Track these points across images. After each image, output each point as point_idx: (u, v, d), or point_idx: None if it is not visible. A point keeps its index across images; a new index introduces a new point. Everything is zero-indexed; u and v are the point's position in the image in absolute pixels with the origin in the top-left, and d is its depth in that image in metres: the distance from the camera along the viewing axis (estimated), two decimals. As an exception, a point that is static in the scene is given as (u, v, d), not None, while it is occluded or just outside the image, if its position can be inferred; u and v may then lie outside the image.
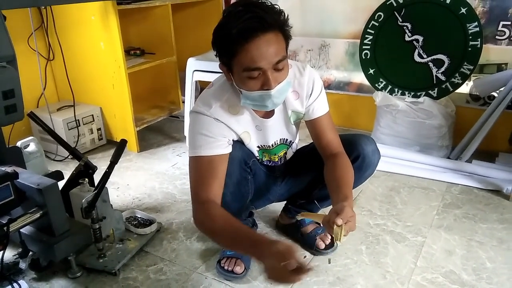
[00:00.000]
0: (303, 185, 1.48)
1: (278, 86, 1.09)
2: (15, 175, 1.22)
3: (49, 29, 2.31)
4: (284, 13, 1.09)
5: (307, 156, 1.43)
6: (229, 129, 1.22)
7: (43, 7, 2.26)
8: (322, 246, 1.49)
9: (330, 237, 1.52)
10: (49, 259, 1.39)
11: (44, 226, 1.29)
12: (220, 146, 1.17)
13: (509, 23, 2.05)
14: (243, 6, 1.04)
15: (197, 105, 1.21)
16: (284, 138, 1.36)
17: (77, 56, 2.35)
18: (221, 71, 1.16)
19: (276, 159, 1.42)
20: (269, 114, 1.28)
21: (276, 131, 1.32)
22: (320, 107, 1.30)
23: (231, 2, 2.82)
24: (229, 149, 1.21)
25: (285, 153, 1.42)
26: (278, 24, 1.06)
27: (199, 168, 1.16)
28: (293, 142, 1.41)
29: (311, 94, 1.27)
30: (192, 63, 2.24)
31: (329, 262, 1.45)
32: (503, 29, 2.07)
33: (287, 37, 1.10)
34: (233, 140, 1.24)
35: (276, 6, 1.08)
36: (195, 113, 1.19)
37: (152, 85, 2.75)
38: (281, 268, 0.88)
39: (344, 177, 1.18)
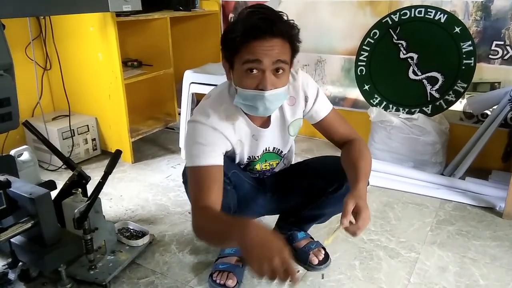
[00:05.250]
0: (292, 203, 1.48)
1: (273, 91, 1.09)
2: (8, 183, 1.21)
3: (47, 38, 2.32)
4: (297, 28, 1.11)
5: (300, 176, 1.44)
6: (225, 138, 1.22)
7: (41, 17, 2.27)
8: (316, 261, 1.48)
9: (323, 252, 1.51)
10: (39, 270, 1.37)
11: (35, 236, 1.27)
12: (217, 156, 1.18)
13: (502, 43, 2.08)
14: (259, 9, 1.07)
15: (195, 115, 1.21)
16: (277, 148, 1.36)
17: (74, 66, 2.35)
18: (224, 68, 1.18)
19: (267, 167, 1.41)
20: (266, 123, 1.28)
21: (269, 140, 1.33)
22: (322, 108, 1.31)
23: (230, 14, 2.85)
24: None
25: (277, 163, 1.42)
26: (287, 34, 1.08)
27: (197, 177, 1.16)
28: (285, 154, 1.41)
29: (307, 96, 1.28)
30: (189, 76, 2.26)
31: (322, 277, 1.44)
32: (496, 48, 2.11)
33: (294, 49, 1.11)
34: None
35: (291, 21, 1.10)
36: (193, 122, 1.19)
37: (149, 96, 2.75)
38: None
39: (358, 160, 1.21)
